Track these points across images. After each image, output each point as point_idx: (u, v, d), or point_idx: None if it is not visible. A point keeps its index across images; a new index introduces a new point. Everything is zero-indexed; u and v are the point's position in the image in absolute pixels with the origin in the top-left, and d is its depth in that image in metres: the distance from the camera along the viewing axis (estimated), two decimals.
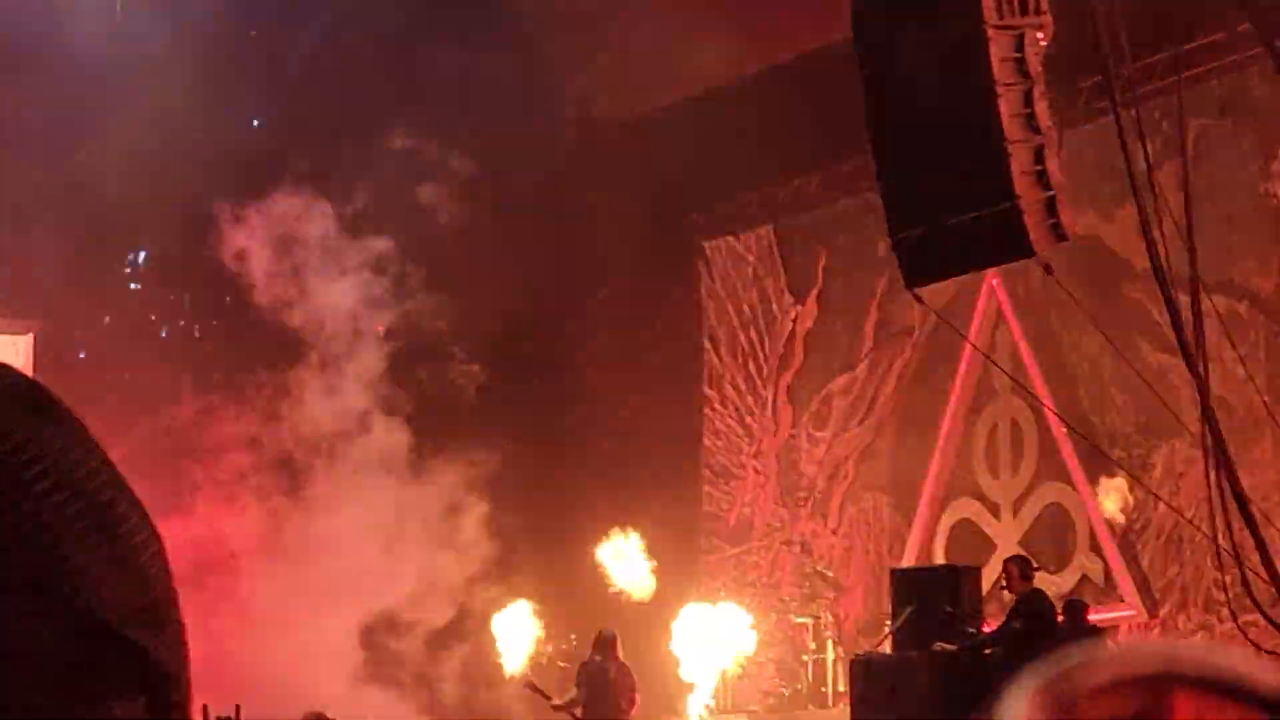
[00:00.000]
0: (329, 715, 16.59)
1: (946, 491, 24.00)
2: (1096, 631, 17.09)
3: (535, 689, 18.90)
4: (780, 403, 26.19)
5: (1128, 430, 21.77)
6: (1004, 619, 16.86)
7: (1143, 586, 21.54)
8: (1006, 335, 23.09)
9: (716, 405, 27.00)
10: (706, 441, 27.04)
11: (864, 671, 16.33)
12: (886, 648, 16.71)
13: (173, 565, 1.16)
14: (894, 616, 16.75)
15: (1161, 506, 21.07)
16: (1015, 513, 23.21)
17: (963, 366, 23.63)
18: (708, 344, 27.18)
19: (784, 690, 22.92)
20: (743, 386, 26.69)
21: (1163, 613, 21.22)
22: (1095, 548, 22.21)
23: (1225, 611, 20.46)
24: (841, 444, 25.32)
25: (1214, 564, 20.53)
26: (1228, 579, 16.44)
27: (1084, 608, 17.15)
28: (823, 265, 25.79)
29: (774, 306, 26.41)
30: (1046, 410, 22.08)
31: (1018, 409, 23.22)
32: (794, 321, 26.12)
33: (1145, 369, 19.46)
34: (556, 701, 18.62)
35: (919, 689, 15.80)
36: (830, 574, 23.91)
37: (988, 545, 23.13)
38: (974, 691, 15.82)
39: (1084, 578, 22.13)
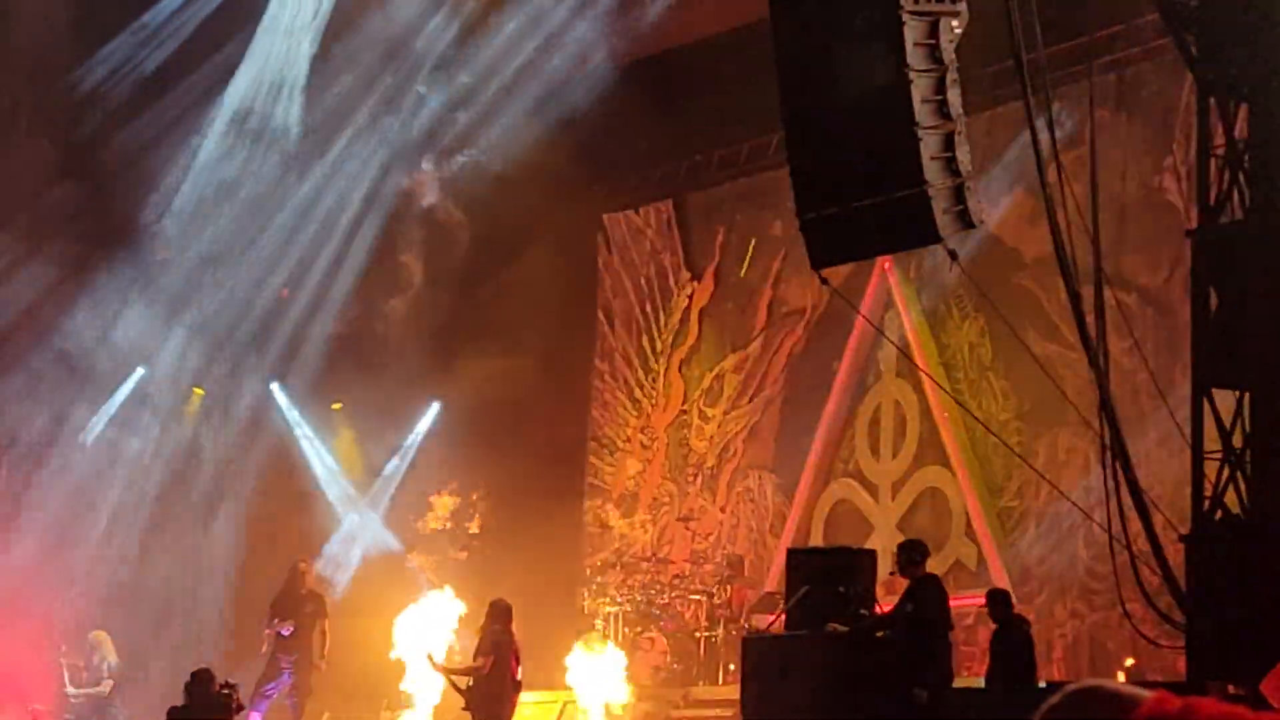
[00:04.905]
0: None
1: (827, 472, 24.10)
2: (1022, 621, 17.20)
3: (432, 661, 18.82)
4: (672, 378, 26.19)
5: (1004, 417, 21.91)
6: (897, 602, 16.94)
7: (1023, 573, 21.68)
8: (895, 318, 23.21)
9: (607, 378, 26.95)
10: (594, 413, 26.99)
11: (755, 651, 16.33)
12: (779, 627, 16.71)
13: None
14: (787, 596, 16.74)
15: (1041, 495, 21.26)
16: (894, 495, 23.35)
17: (851, 348, 23.73)
18: (601, 317, 27.09)
19: (675, 666, 22.91)
20: (635, 361, 26.65)
21: (1039, 601, 21.34)
22: (970, 533, 22.38)
23: (1097, 600, 20.69)
24: (732, 421, 25.37)
25: (1088, 553, 20.78)
26: (1117, 568, 16.55)
27: (1007, 596, 17.32)
28: (720, 242, 25.80)
29: (671, 282, 26.38)
30: (931, 395, 22.21)
31: (902, 392, 23.36)
32: (690, 298, 26.10)
33: (1032, 358, 19.63)
34: (448, 667, 18.63)
35: (810, 669, 15.81)
36: (733, 553, 23.98)
37: (865, 526, 23.27)
38: (865, 674, 15.89)
39: (957, 562, 22.29)
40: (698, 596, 23.27)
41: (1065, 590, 21.46)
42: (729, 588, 23.09)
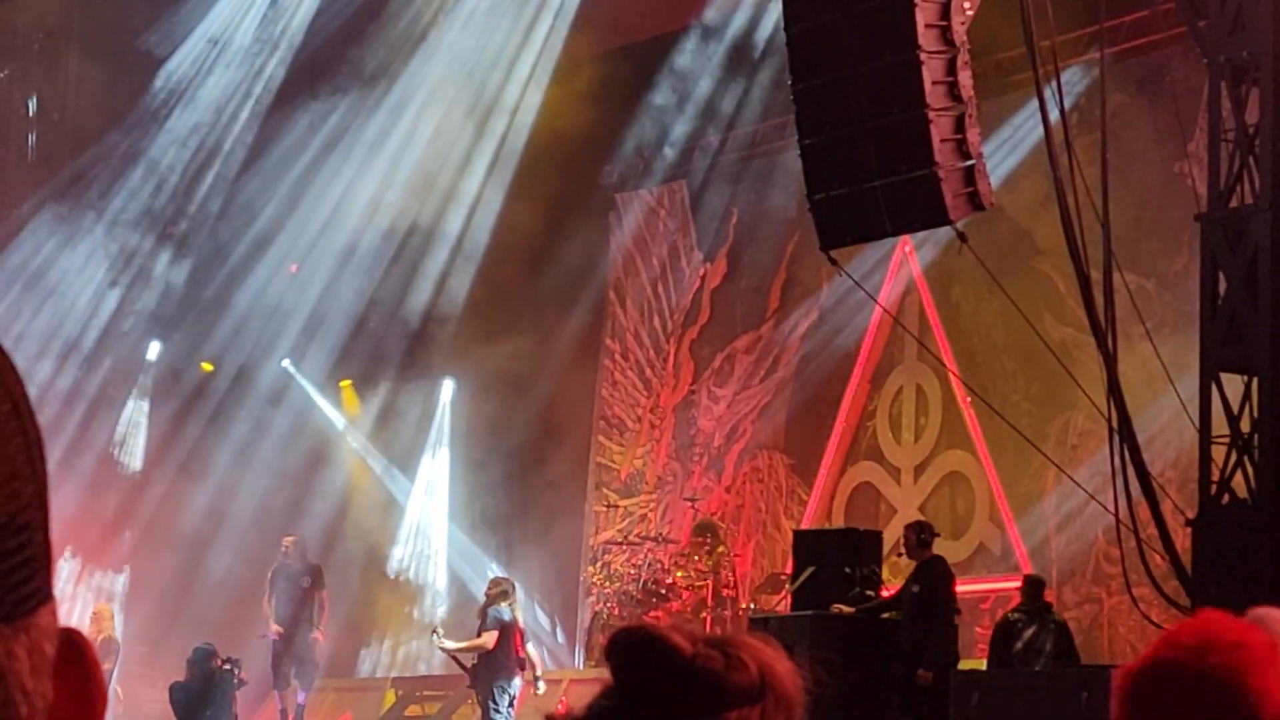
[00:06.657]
0: None
1: (848, 454, 24.02)
2: (1048, 608, 17.15)
3: (436, 633, 18.98)
4: (683, 358, 26.14)
5: (1015, 399, 21.82)
6: (903, 584, 16.93)
7: (1033, 554, 21.63)
8: (915, 301, 23.14)
9: (617, 357, 26.92)
10: (603, 392, 26.97)
11: (761, 631, 16.33)
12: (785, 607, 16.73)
13: None
14: (794, 577, 16.76)
15: (1053, 478, 21.19)
16: (916, 478, 23.27)
17: (871, 330, 23.65)
18: (613, 296, 27.06)
19: None
20: (645, 340, 26.62)
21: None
22: (994, 517, 22.29)
23: (1114, 584, 20.61)
24: (742, 401, 25.31)
25: (1105, 537, 20.70)
26: (1124, 552, 16.49)
27: (1042, 584, 17.24)
28: (734, 223, 25.74)
29: (683, 262, 26.33)
30: (952, 378, 22.15)
31: (923, 375, 23.25)
32: (702, 278, 26.05)
33: (1048, 342, 19.57)
34: (453, 644, 18.76)
35: (815, 650, 15.80)
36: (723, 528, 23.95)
37: (888, 510, 23.21)
38: (870, 655, 15.89)
39: (981, 545, 22.22)
40: (703, 573, 23.25)
41: (1076, 573, 21.40)
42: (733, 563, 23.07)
